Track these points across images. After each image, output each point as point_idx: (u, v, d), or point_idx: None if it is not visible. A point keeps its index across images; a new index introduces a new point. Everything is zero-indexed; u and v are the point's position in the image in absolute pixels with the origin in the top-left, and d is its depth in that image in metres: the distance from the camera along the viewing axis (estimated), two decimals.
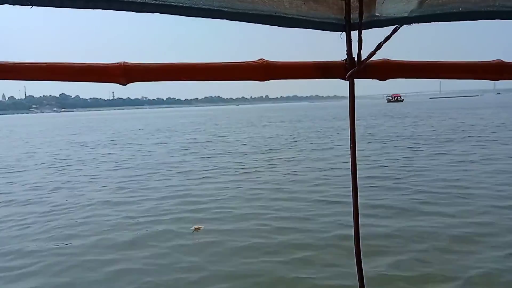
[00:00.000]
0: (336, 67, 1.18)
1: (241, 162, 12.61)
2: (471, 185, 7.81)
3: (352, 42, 1.17)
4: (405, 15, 1.13)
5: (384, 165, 10.67)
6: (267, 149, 15.84)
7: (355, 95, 1.22)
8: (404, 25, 1.19)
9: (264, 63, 1.07)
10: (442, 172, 9.19)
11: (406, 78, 1.21)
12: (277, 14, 1.01)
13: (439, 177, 8.66)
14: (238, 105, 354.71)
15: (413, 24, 1.17)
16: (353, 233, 1.12)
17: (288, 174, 10.16)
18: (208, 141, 20.19)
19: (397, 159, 11.48)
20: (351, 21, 1.12)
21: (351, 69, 1.16)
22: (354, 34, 1.13)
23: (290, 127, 28.46)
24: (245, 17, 0.99)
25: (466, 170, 9.35)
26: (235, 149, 16.15)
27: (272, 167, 11.32)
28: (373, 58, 1.20)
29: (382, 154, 12.63)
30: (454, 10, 1.11)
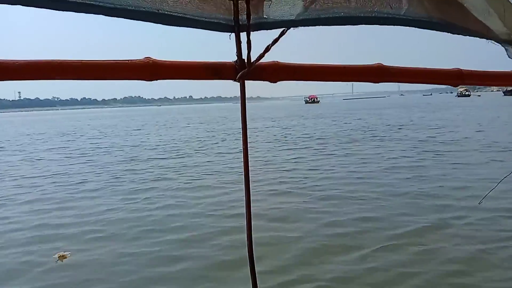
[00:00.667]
0: (226, 68, 1.18)
1: (141, 170, 11.29)
2: (370, 188, 7.88)
3: (243, 44, 1.18)
4: (292, 18, 1.18)
5: (288, 169, 10.47)
6: (179, 153, 14.66)
7: (244, 96, 1.23)
8: (292, 28, 1.24)
9: (150, 62, 1.03)
10: (344, 175, 9.28)
11: (295, 80, 1.26)
12: (160, 11, 0.97)
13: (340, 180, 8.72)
14: (159, 105, 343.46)
15: (300, 27, 1.22)
16: (245, 237, 1.13)
17: (189, 182, 9.29)
18: (110, 147, 18.19)
19: (299, 161, 11.46)
20: (240, 22, 1.13)
21: (241, 70, 1.17)
22: (245, 36, 1.14)
23: (207, 128, 27.84)
24: (125, 13, 0.94)
25: (368, 169, 9.79)
26: (139, 155, 14.59)
27: (177, 176, 10.27)
28: (264, 60, 1.23)
29: (283, 155, 12.63)
30: (337, 15, 1.18)
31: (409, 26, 1.24)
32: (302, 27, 1.22)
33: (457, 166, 9.41)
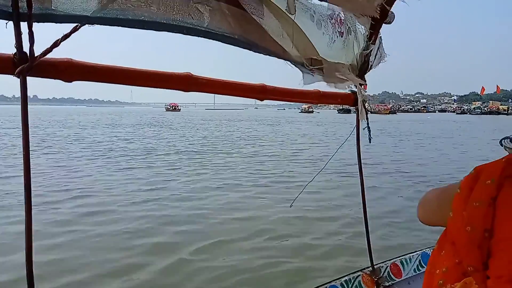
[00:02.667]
0: (1, 61, 1.03)
1: None
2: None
3: (25, 35, 1.05)
4: (86, 14, 1.09)
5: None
6: None
7: (25, 94, 1.08)
8: (87, 25, 1.15)
9: None
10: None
11: (94, 81, 1.17)
12: None
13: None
14: None
15: (95, 25, 1.14)
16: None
17: None
18: None
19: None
20: (20, 10, 1.00)
21: (21, 65, 1.03)
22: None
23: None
24: None
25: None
26: None
27: None
28: (55, 56, 1.12)
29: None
30: (137, 18, 1.14)
31: (213, 39, 1.29)
32: (99, 25, 1.14)
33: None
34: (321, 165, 10.46)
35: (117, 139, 19.65)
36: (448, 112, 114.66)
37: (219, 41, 1.30)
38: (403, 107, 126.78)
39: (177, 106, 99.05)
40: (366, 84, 1.85)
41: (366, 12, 1.46)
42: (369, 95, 1.94)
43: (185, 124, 36.33)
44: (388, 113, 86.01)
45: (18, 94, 1.07)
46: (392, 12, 1.72)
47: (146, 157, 12.95)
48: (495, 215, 0.74)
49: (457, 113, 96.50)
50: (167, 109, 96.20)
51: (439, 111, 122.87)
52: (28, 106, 1.03)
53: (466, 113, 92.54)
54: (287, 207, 6.25)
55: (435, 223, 0.90)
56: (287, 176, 9.72)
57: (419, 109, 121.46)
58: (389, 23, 1.76)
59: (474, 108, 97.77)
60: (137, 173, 9.95)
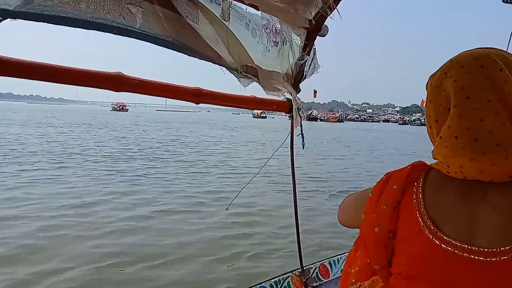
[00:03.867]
0: None
1: None
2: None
3: None
4: (9, 8, 1.05)
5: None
6: None
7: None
8: (9, 19, 1.11)
9: None
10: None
11: (14, 77, 1.13)
12: None
13: None
14: None
15: (19, 19, 1.11)
16: None
17: None
18: None
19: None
20: None
21: None
22: None
23: None
24: None
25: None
26: None
27: None
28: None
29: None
30: (64, 15, 1.12)
31: (146, 41, 1.29)
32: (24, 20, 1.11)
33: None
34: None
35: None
36: (391, 122, 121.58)
37: (152, 43, 1.30)
38: (350, 116, 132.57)
39: (125, 106, 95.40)
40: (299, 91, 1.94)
41: (297, 24, 1.54)
42: (303, 102, 2.03)
43: (122, 125, 33.70)
44: (336, 121, 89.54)
45: None
46: (326, 26, 1.82)
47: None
48: (398, 217, 0.80)
49: (399, 124, 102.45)
50: (114, 109, 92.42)
51: (383, 121, 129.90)
52: None
53: (407, 124, 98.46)
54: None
55: (353, 225, 0.94)
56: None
57: (365, 118, 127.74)
58: (323, 35, 1.86)
59: (414, 119, 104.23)
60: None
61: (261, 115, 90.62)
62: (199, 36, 1.36)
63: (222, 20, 1.37)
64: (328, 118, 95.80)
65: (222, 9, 1.36)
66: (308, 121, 78.37)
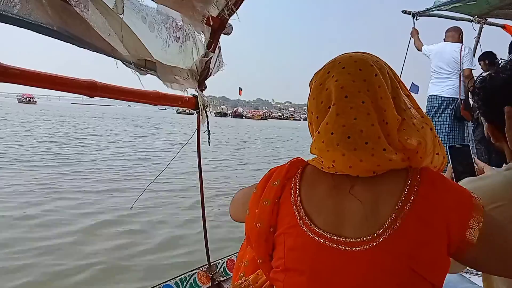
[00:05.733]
0: None
1: None
2: None
3: None
4: None
5: None
6: None
7: None
8: None
9: None
10: None
11: None
12: None
13: None
14: None
15: None
16: None
17: None
18: None
19: None
20: None
21: None
22: None
23: None
24: None
25: None
26: None
27: None
28: None
29: None
30: None
31: (26, 28, 1.18)
32: None
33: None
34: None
35: None
36: None
37: (34, 31, 1.20)
38: (273, 114, 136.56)
39: (32, 98, 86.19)
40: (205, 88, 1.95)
41: (194, 20, 1.54)
42: (210, 97, 2.04)
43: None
44: (260, 119, 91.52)
45: None
46: (230, 24, 1.86)
47: None
48: (278, 213, 0.83)
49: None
50: (20, 101, 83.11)
51: (303, 119, 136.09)
52: None
53: None
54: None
55: (242, 220, 0.95)
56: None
57: (287, 116, 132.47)
58: (228, 34, 1.89)
59: None
60: None
61: (185, 110, 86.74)
62: (89, 26, 1.28)
63: (115, 12, 1.31)
64: (253, 115, 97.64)
65: (115, 1, 1.30)
66: (234, 118, 78.91)
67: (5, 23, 1.13)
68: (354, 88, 0.75)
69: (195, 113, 2.03)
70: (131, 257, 4.24)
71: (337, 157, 0.75)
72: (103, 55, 1.41)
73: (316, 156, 0.82)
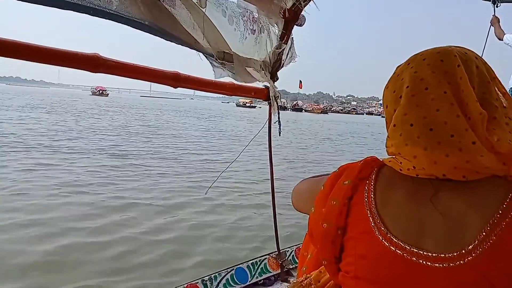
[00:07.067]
0: None
1: None
2: None
3: None
4: None
5: None
6: None
7: None
8: None
9: None
10: None
11: None
12: None
13: None
14: None
15: None
16: None
17: None
18: None
19: None
20: None
21: None
22: None
23: None
24: None
25: None
26: None
27: None
28: None
29: None
30: None
31: (122, 23, 1.30)
32: None
33: None
34: None
35: None
36: (374, 115, 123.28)
37: (129, 25, 1.32)
38: (334, 108, 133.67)
39: (105, 91, 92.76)
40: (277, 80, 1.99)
41: (272, 12, 1.57)
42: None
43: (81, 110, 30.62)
44: (320, 113, 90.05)
45: None
46: (303, 16, 1.86)
47: None
48: (349, 215, 0.77)
49: (382, 117, 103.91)
50: (93, 93, 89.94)
51: (366, 113, 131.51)
52: None
53: None
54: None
55: (306, 212, 0.90)
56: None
57: (349, 110, 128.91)
58: (300, 25, 1.90)
59: None
60: None
61: (245, 104, 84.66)
62: (176, 20, 1.38)
63: (199, 6, 1.39)
64: (313, 109, 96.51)
65: None
66: (293, 111, 78.66)
67: (105, 18, 1.26)
68: (434, 79, 0.69)
69: (267, 104, 2.08)
70: None
71: (419, 152, 0.67)
72: (187, 47, 1.50)
73: (394, 157, 0.75)
